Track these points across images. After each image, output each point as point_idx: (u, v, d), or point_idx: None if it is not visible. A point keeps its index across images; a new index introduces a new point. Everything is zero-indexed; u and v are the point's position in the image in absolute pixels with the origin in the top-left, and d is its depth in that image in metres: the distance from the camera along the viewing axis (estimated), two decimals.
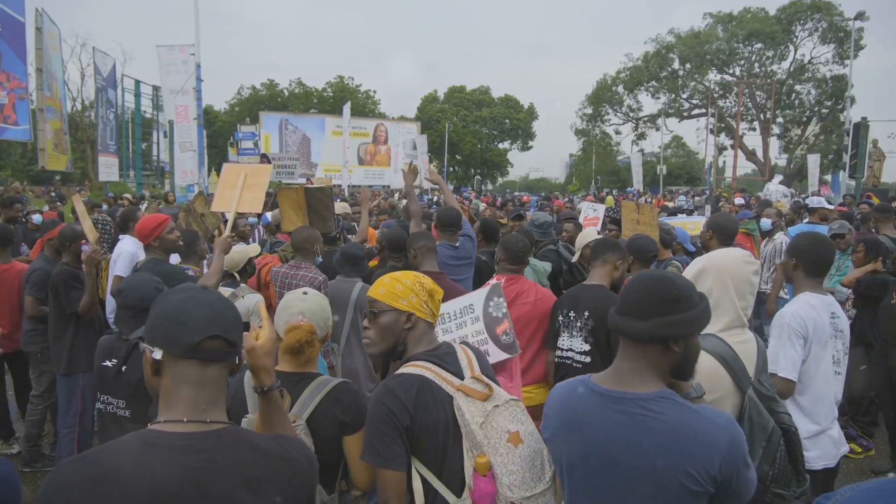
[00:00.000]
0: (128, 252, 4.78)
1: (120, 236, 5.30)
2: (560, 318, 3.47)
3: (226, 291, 4.22)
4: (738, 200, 15.12)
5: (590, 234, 5.01)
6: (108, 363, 2.80)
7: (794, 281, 2.91)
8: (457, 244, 4.76)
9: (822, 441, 2.81)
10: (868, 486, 1.24)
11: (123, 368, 2.73)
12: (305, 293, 2.34)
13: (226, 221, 6.41)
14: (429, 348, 2.03)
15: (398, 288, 2.00)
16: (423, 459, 1.90)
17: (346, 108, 22.62)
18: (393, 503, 1.88)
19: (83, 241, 4.80)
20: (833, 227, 6.12)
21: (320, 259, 4.62)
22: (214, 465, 1.30)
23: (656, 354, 1.62)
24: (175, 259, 4.48)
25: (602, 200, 16.59)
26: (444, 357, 2.01)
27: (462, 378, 1.98)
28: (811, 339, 2.75)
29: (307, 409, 2.11)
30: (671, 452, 1.53)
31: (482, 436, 1.87)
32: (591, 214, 7.29)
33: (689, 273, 2.43)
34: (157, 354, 1.35)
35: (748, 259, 2.38)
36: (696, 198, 25.44)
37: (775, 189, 16.23)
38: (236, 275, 4.44)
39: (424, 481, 1.90)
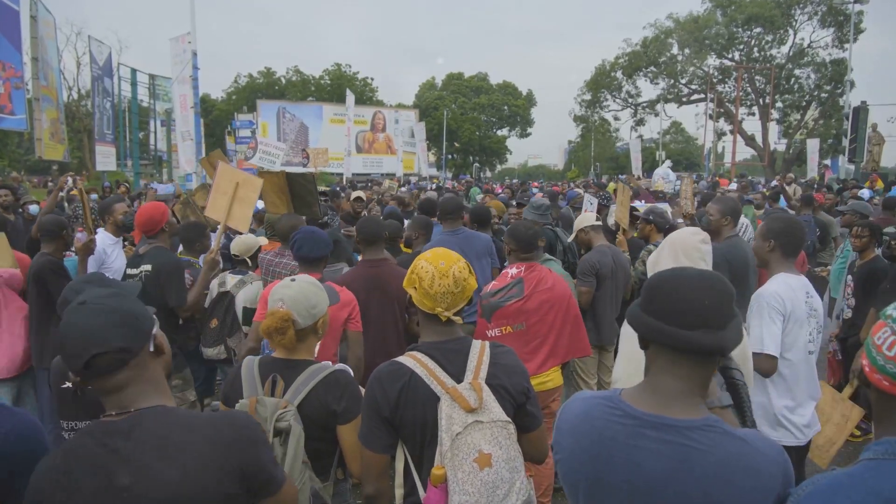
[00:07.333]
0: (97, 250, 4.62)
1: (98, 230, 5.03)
2: None
3: (234, 278, 4.44)
4: (730, 185, 15.02)
5: (587, 218, 5.04)
6: (67, 385, 2.44)
7: (769, 263, 3.04)
8: (457, 231, 4.79)
9: (793, 419, 2.91)
10: (827, 482, 1.26)
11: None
12: (293, 279, 2.33)
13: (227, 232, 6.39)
14: (437, 339, 1.99)
15: (412, 272, 2.01)
16: (407, 446, 1.94)
17: (350, 97, 22.27)
18: (371, 480, 1.96)
19: (79, 229, 4.75)
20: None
21: None
22: (132, 438, 1.38)
23: (710, 371, 1.42)
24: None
25: (604, 187, 16.60)
26: (448, 354, 1.95)
27: (461, 380, 1.90)
28: (789, 318, 2.85)
29: (299, 396, 2.13)
30: (721, 493, 1.33)
31: (449, 446, 1.79)
32: (590, 209, 7.39)
33: (656, 254, 2.80)
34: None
35: (696, 231, 2.84)
36: (695, 184, 25.31)
37: (663, 173, 16.35)
38: (248, 260, 4.62)
39: (407, 464, 1.95)
